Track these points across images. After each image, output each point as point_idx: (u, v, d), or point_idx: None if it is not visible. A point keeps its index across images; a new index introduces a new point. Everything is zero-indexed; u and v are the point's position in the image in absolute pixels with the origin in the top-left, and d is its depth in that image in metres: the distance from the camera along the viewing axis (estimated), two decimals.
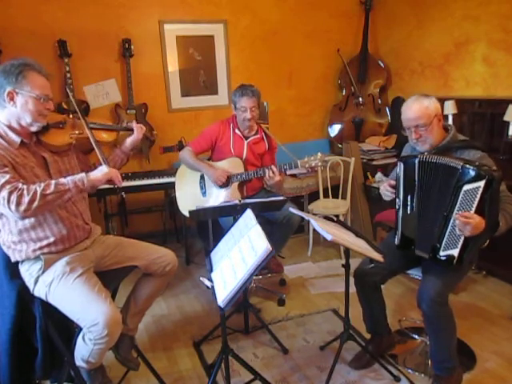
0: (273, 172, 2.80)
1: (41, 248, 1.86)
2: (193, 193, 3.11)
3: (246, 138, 3.10)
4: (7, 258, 1.90)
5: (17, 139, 1.82)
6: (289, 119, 4.66)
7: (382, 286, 2.36)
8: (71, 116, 2.09)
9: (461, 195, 1.91)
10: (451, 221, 1.95)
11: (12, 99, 1.78)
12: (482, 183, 1.83)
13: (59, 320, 1.89)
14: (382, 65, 4.56)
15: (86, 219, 2.05)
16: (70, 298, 1.83)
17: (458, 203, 1.92)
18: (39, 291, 1.86)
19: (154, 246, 2.21)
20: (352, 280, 2.30)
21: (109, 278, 2.04)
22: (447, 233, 1.99)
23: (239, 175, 2.96)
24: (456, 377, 2.15)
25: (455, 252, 1.96)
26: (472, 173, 1.86)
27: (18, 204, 1.66)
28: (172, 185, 3.26)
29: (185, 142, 3.81)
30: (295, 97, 4.65)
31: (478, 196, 1.85)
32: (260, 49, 4.40)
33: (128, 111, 3.87)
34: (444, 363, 2.13)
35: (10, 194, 1.65)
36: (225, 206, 2.44)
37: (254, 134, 3.14)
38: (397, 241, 2.23)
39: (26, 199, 1.66)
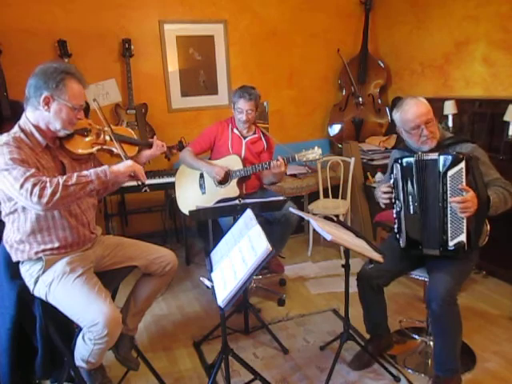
0: (280, 162, 2.81)
1: (43, 251, 1.86)
2: (192, 191, 3.12)
3: (245, 138, 3.14)
4: (8, 258, 1.90)
5: (42, 141, 1.83)
6: (289, 119, 4.66)
7: (384, 288, 2.36)
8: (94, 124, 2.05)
9: (448, 181, 1.99)
10: (449, 209, 2.01)
11: (47, 104, 1.77)
12: (462, 164, 1.94)
13: (59, 320, 1.89)
14: (381, 65, 4.56)
15: (92, 228, 2.05)
16: (69, 298, 1.83)
17: (449, 189, 2.00)
18: (39, 291, 1.86)
19: (154, 246, 2.21)
20: (352, 280, 2.28)
21: (109, 278, 2.04)
22: (449, 221, 2.03)
23: (238, 171, 2.98)
24: (456, 379, 2.14)
25: (463, 237, 2.00)
26: (450, 158, 1.98)
27: (41, 196, 1.63)
28: (172, 185, 3.26)
29: (185, 142, 3.79)
30: (295, 97, 4.65)
31: (464, 176, 1.94)
32: (260, 49, 4.40)
33: (128, 111, 3.87)
34: (448, 364, 2.10)
35: (34, 186, 1.64)
36: (225, 206, 2.44)
37: (253, 134, 3.18)
38: (402, 244, 2.22)
39: (48, 191, 1.64)
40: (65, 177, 1.71)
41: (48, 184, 1.66)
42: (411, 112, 2.12)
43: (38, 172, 1.72)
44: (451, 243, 2.04)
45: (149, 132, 3.91)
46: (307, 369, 2.40)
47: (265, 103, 3.94)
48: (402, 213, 2.18)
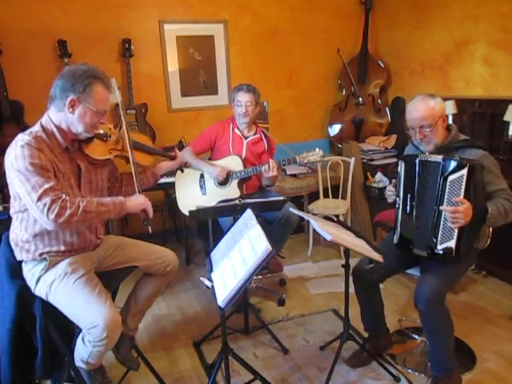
0: (268, 167, 2.82)
1: (48, 253, 1.86)
2: (193, 192, 3.12)
3: (246, 138, 3.13)
4: (9, 258, 1.89)
5: (63, 143, 1.83)
6: (289, 119, 4.67)
7: (381, 286, 2.36)
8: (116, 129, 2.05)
9: (447, 186, 1.97)
10: (443, 214, 1.99)
11: (72, 107, 1.77)
12: (464, 171, 1.91)
13: (59, 320, 1.89)
14: (381, 65, 4.56)
15: (99, 234, 2.05)
16: (70, 299, 1.83)
17: (446, 194, 1.97)
18: (40, 291, 1.86)
19: (155, 246, 2.21)
20: (351, 279, 2.30)
21: (109, 279, 2.04)
22: (441, 226, 2.02)
23: (239, 172, 2.98)
24: (455, 378, 2.14)
25: (452, 244, 1.99)
26: (454, 163, 1.95)
27: (59, 215, 1.65)
28: (172, 185, 3.26)
29: (185, 142, 3.81)
30: (295, 97, 4.65)
31: (464, 184, 1.92)
32: (260, 49, 4.40)
33: (128, 111, 3.86)
34: (441, 364, 2.12)
35: (53, 202, 1.65)
36: (225, 206, 2.44)
37: (254, 134, 3.16)
38: (395, 240, 2.24)
39: (67, 212, 1.66)
40: (85, 202, 1.73)
41: (68, 204, 1.67)
42: (409, 113, 2.14)
43: (57, 184, 1.72)
44: (439, 247, 2.04)
45: (149, 132, 3.91)
46: (307, 369, 2.40)
47: (265, 103, 3.94)
48: (400, 210, 2.19)
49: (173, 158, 2.24)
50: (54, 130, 1.81)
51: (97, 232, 2.03)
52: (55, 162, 1.78)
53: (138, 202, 1.91)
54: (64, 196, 1.69)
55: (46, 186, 1.66)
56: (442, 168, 1.98)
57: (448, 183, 1.96)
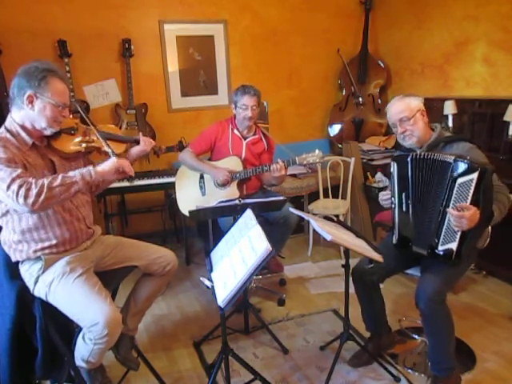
0: (280, 165, 2.81)
1: (42, 249, 1.86)
2: (193, 193, 3.12)
3: (245, 139, 3.13)
4: (7, 258, 1.90)
5: (29, 140, 1.83)
6: (289, 119, 4.67)
7: (381, 285, 2.36)
8: (80, 121, 2.08)
9: (455, 189, 1.93)
10: (447, 215, 1.97)
11: (31, 102, 1.78)
12: (475, 175, 1.86)
13: (59, 320, 1.89)
14: (382, 65, 4.56)
15: (89, 223, 2.05)
16: (70, 298, 1.83)
17: (453, 197, 1.95)
18: (39, 291, 1.86)
19: (154, 246, 2.21)
20: (351, 279, 2.30)
21: (109, 278, 2.04)
22: (444, 227, 2.00)
23: (239, 173, 2.98)
24: (455, 378, 2.14)
25: (453, 246, 1.98)
26: (465, 166, 1.90)
27: (26, 197, 1.64)
28: (172, 185, 3.26)
29: (185, 142, 3.80)
30: (295, 97, 4.65)
31: (472, 188, 1.88)
32: (260, 49, 4.40)
33: (128, 111, 3.87)
34: (442, 364, 2.12)
35: (20, 187, 1.65)
36: (225, 206, 2.44)
37: (253, 135, 3.16)
38: (394, 240, 2.23)
39: (33, 192, 1.65)
40: (50, 178, 1.72)
41: (33, 185, 1.67)
42: (388, 111, 2.20)
43: (25, 172, 1.73)
44: (440, 248, 2.03)
45: (149, 132, 3.91)
46: (307, 369, 2.40)
47: (265, 103, 3.94)
48: (396, 210, 2.18)
49: (138, 142, 2.22)
50: (19, 129, 1.82)
51: (85, 221, 2.02)
52: (24, 157, 1.79)
53: (111, 163, 1.86)
54: (30, 179, 1.69)
55: (14, 174, 1.67)
56: (453, 169, 1.93)
57: (456, 185, 1.92)
